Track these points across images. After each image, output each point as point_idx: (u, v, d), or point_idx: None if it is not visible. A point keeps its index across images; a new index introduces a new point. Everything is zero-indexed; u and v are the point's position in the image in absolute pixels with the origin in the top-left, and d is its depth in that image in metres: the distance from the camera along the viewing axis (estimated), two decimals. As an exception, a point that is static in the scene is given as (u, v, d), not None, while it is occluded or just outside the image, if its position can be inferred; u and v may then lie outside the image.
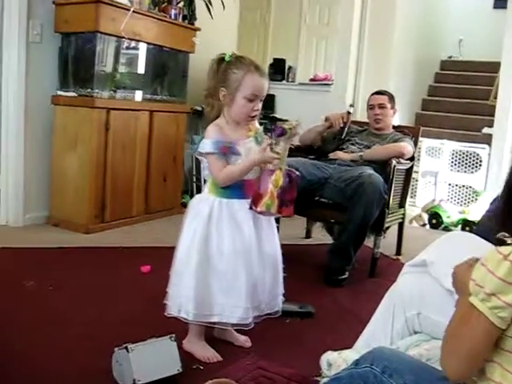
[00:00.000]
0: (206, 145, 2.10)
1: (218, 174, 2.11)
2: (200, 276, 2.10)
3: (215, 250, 2.11)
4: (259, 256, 2.15)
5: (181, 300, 2.12)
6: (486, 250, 1.71)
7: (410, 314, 1.65)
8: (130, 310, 2.59)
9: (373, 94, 3.88)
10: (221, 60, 2.16)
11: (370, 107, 3.81)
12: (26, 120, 3.90)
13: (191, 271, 2.10)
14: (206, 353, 2.18)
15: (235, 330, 2.31)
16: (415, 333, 1.64)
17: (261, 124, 2.27)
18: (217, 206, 2.12)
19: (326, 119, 3.85)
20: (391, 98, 3.84)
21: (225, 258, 2.10)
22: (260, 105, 2.15)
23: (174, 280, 2.18)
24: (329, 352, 2.03)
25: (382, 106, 3.77)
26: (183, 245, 2.16)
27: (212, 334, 2.31)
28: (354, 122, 4.03)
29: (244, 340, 2.32)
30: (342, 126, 3.78)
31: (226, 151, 2.09)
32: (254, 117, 2.15)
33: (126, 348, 1.85)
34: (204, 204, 2.15)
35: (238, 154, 2.11)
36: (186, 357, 2.03)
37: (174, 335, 1.98)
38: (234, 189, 2.12)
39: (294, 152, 3.79)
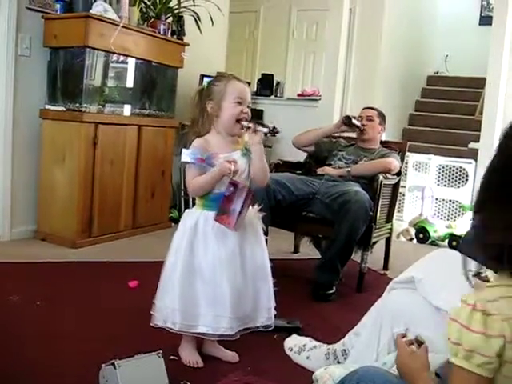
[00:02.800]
0: (185, 154, 2.17)
1: (189, 183, 2.20)
2: (185, 287, 2.14)
3: (200, 260, 2.15)
4: (242, 268, 2.17)
5: (167, 311, 2.16)
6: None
7: (397, 329, 1.65)
8: (117, 325, 2.58)
9: (364, 108, 3.92)
10: (201, 90, 2.30)
11: (359, 119, 3.83)
12: (13, 134, 3.89)
13: (176, 282, 2.15)
14: (189, 357, 2.24)
15: (223, 344, 2.31)
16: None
17: None
18: (202, 218, 2.17)
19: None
20: (381, 115, 3.87)
21: (209, 269, 2.13)
22: (249, 111, 2.22)
23: (161, 292, 2.21)
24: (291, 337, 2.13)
25: (369, 119, 3.80)
26: (169, 257, 2.21)
27: (200, 350, 2.31)
28: (342, 137, 4.06)
29: (231, 356, 2.32)
30: (357, 125, 3.78)
31: (202, 162, 2.15)
32: (243, 120, 2.20)
33: (113, 364, 1.85)
34: (190, 217, 2.21)
35: (213, 165, 2.15)
36: (174, 373, 2.03)
37: (161, 351, 1.98)
38: (218, 202, 2.14)
39: (281, 167, 3.84)
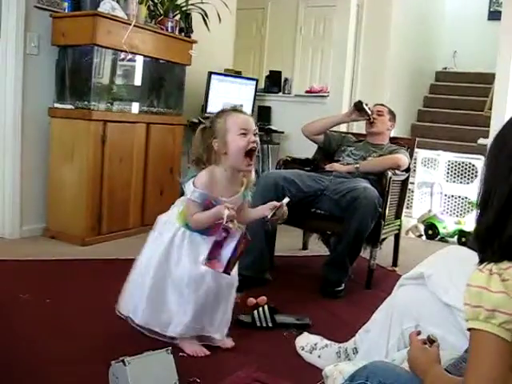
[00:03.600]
0: (195, 194, 2.20)
1: (190, 219, 2.22)
2: (154, 290, 2.23)
3: (173, 267, 2.22)
4: (214, 286, 2.23)
5: (134, 304, 2.28)
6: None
7: (407, 326, 1.65)
8: (126, 322, 2.58)
9: (375, 105, 3.91)
10: (204, 128, 2.28)
11: (370, 108, 3.83)
12: (22, 132, 3.90)
13: (147, 283, 2.24)
14: (193, 347, 2.27)
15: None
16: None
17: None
18: (180, 234, 2.24)
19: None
20: (392, 113, 3.89)
21: (179, 281, 2.21)
22: (257, 139, 2.24)
23: (131, 285, 2.32)
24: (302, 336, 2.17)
25: (379, 114, 3.81)
26: (145, 256, 2.30)
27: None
28: (351, 133, 4.07)
29: (229, 343, 2.38)
30: (363, 115, 3.79)
31: (209, 205, 2.19)
32: (253, 151, 2.22)
33: (123, 361, 1.85)
34: (169, 227, 2.27)
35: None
36: (183, 369, 2.03)
37: (170, 348, 1.98)
38: (200, 232, 2.23)
39: (289, 164, 3.84)
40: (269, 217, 2.29)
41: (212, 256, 2.11)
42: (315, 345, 2.24)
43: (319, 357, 2.21)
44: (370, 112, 3.76)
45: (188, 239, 2.22)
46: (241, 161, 2.21)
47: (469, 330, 1.08)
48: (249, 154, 2.21)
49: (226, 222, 2.08)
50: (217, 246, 2.10)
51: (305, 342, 2.29)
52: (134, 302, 2.28)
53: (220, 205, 2.16)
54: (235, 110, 2.28)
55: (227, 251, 2.09)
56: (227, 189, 2.24)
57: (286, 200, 2.27)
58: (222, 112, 2.28)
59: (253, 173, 2.32)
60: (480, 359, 1.05)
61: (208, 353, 2.27)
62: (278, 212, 2.28)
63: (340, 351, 2.14)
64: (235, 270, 2.29)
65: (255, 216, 2.38)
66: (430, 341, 1.34)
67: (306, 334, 2.36)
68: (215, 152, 2.23)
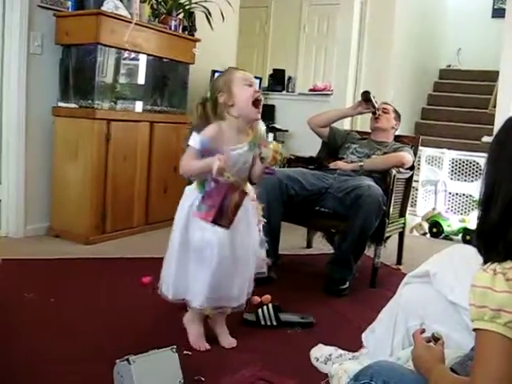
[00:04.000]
0: (195, 139, 2.20)
1: (182, 163, 2.25)
2: (179, 262, 2.27)
3: (194, 238, 2.23)
4: (231, 251, 2.24)
5: (166, 281, 2.32)
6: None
7: (412, 324, 1.65)
8: (131, 321, 2.58)
9: (381, 103, 3.91)
10: (204, 100, 2.32)
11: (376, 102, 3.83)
12: (26, 131, 3.91)
13: (173, 257, 2.29)
14: (197, 340, 2.32)
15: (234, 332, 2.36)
16: (416, 343, 1.64)
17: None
18: (197, 201, 2.23)
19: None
20: (396, 112, 3.90)
21: (201, 248, 2.22)
22: (260, 95, 2.27)
23: (164, 263, 2.36)
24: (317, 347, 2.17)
25: (385, 112, 3.81)
26: (172, 233, 2.35)
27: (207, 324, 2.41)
28: (356, 131, 4.07)
29: (229, 342, 2.38)
30: (369, 107, 3.78)
31: (206, 152, 2.18)
32: (259, 101, 2.25)
33: (128, 360, 1.85)
34: (188, 197, 2.29)
35: None
36: (188, 368, 2.03)
37: (175, 346, 1.98)
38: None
39: (293, 162, 3.83)
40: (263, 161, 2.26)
41: (201, 206, 2.15)
42: (330, 355, 2.22)
43: None
44: (376, 105, 3.76)
45: None
46: (249, 109, 2.25)
47: (474, 330, 1.07)
48: (255, 103, 2.25)
49: (216, 175, 2.08)
50: (207, 197, 2.14)
51: (319, 353, 2.27)
52: (166, 278, 2.32)
53: (217, 153, 2.15)
54: (238, 68, 2.38)
55: (215, 201, 2.11)
56: (234, 139, 2.26)
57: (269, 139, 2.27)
58: (224, 72, 2.37)
59: (260, 124, 2.33)
60: (486, 359, 1.04)
61: (209, 347, 2.31)
62: (264, 153, 2.24)
63: (354, 359, 2.13)
64: (261, 238, 2.35)
65: (258, 170, 2.33)
66: (435, 339, 1.33)
67: (320, 345, 2.33)
68: (219, 106, 2.27)
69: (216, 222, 2.12)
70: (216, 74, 5.10)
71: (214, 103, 2.28)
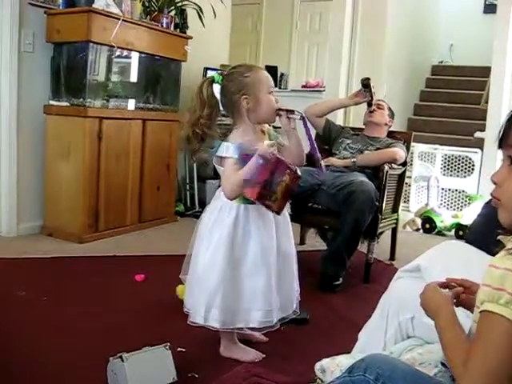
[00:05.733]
0: (230, 149, 2.07)
1: (226, 186, 2.08)
2: (226, 282, 2.09)
3: (240, 254, 2.10)
4: (278, 256, 2.16)
5: (206, 308, 2.10)
6: (479, 258, 1.73)
7: (403, 318, 1.65)
8: (124, 318, 2.58)
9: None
10: (211, 82, 2.18)
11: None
12: (18, 130, 3.90)
13: (216, 278, 2.09)
14: (250, 355, 2.24)
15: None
16: (408, 337, 1.64)
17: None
18: (242, 212, 2.10)
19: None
20: (391, 110, 3.93)
21: (249, 261, 2.10)
22: (276, 96, 2.21)
23: (197, 288, 2.15)
24: (323, 360, 2.05)
25: (379, 107, 3.83)
26: (206, 252, 2.12)
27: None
28: (349, 127, 4.08)
29: (259, 335, 2.37)
30: (366, 96, 3.77)
31: (246, 158, 2.04)
32: (280, 109, 2.16)
33: (121, 357, 1.85)
34: (228, 211, 2.10)
35: None
36: (181, 365, 2.03)
37: (168, 344, 1.98)
38: None
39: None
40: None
41: (246, 184, 1.99)
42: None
43: None
44: (374, 95, 3.75)
45: (252, 213, 2.10)
46: (271, 117, 2.16)
47: (482, 312, 1.02)
48: (276, 110, 2.16)
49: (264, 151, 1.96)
50: (257, 172, 1.96)
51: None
52: (205, 304, 2.10)
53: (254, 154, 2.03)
54: (257, 66, 2.25)
55: (261, 177, 1.95)
56: (255, 140, 2.10)
57: (298, 116, 2.14)
58: (245, 67, 2.19)
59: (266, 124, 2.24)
60: (489, 343, 0.99)
61: (263, 355, 2.25)
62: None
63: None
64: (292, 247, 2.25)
65: (293, 141, 2.20)
66: (450, 286, 1.31)
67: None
68: (239, 108, 2.13)
69: (261, 200, 1.98)
70: (209, 72, 5.10)
71: (232, 103, 2.14)
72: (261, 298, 2.10)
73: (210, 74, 5.11)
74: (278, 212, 2.05)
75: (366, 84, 3.73)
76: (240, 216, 2.09)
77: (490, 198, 1.82)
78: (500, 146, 1.13)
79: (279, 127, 2.26)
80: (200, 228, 2.19)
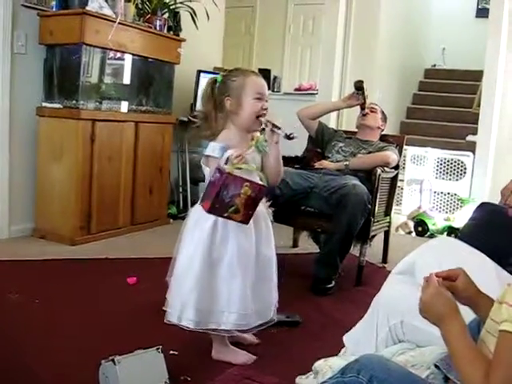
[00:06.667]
0: (215, 148, 2.11)
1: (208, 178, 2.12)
2: (202, 283, 2.10)
3: (218, 256, 2.12)
4: (257, 261, 2.17)
5: (181, 307, 2.12)
6: (471, 256, 1.74)
7: (393, 322, 1.65)
8: (116, 321, 2.58)
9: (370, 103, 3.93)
10: (213, 82, 2.22)
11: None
12: (10, 132, 3.88)
13: (193, 279, 2.10)
14: (241, 358, 2.23)
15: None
16: (400, 341, 1.64)
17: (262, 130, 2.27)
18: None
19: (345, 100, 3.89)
20: (384, 113, 3.94)
21: (226, 264, 2.12)
22: (267, 104, 2.19)
23: (174, 287, 2.17)
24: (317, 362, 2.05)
25: (372, 110, 3.85)
26: (185, 253, 2.15)
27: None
28: (342, 131, 4.09)
29: (251, 338, 2.38)
30: (359, 99, 3.78)
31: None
32: (262, 116, 2.16)
33: (113, 360, 1.85)
34: (207, 214, 2.11)
35: None
36: (174, 368, 2.03)
37: (160, 347, 1.98)
38: None
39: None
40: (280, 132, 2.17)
41: (204, 195, 2.05)
42: None
43: None
44: (367, 99, 3.76)
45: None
46: (252, 123, 2.17)
47: (503, 331, 1.02)
48: (258, 117, 2.17)
49: (234, 166, 1.99)
50: (210, 186, 2.02)
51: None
52: (180, 304, 2.12)
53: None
54: (252, 71, 2.26)
55: (212, 190, 2.00)
56: (241, 145, 2.14)
57: (282, 133, 2.16)
58: (239, 71, 2.25)
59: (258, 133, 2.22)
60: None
61: (255, 357, 2.25)
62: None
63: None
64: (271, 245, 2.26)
65: (272, 155, 2.20)
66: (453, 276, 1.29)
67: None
68: (226, 111, 2.18)
69: (214, 212, 2.04)
70: (202, 75, 5.10)
71: (218, 103, 2.20)
72: (236, 300, 2.11)
73: (203, 76, 5.13)
74: (244, 222, 2.08)
75: (359, 87, 3.75)
76: (219, 219, 2.10)
77: (482, 202, 1.83)
78: None
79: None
80: (183, 230, 2.21)
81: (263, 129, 2.17)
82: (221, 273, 2.12)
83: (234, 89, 2.17)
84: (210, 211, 2.04)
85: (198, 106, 5.08)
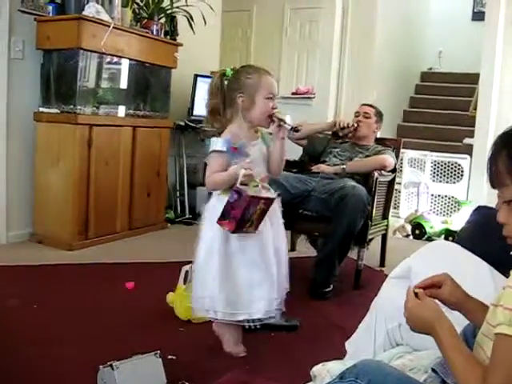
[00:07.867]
0: (218, 142, 2.18)
1: (208, 176, 2.21)
2: (223, 274, 2.15)
3: (236, 247, 2.18)
4: (274, 251, 2.24)
5: (206, 300, 2.18)
6: (466, 260, 1.74)
7: (391, 325, 1.66)
8: (114, 326, 2.57)
9: (363, 105, 3.93)
10: (222, 75, 2.27)
11: (356, 115, 3.84)
12: (8, 137, 3.88)
13: (214, 271, 2.16)
14: (235, 347, 2.31)
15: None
16: (397, 345, 1.65)
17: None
18: None
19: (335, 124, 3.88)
20: (379, 114, 3.89)
21: (246, 254, 2.18)
22: (276, 103, 2.25)
23: (196, 282, 2.23)
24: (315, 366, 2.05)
25: (366, 116, 3.81)
26: (203, 247, 2.21)
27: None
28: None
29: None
30: (345, 127, 3.78)
31: (235, 151, 2.17)
32: (273, 115, 2.22)
33: (111, 366, 1.85)
34: (222, 206, 2.14)
35: (246, 155, 2.19)
36: (172, 372, 2.02)
37: (158, 352, 1.98)
38: None
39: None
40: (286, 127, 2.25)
41: (224, 215, 2.10)
42: None
43: None
44: (351, 128, 3.76)
45: None
46: (263, 121, 2.24)
47: (499, 334, 1.02)
48: (270, 116, 2.23)
49: (241, 183, 2.06)
50: (230, 207, 2.09)
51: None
52: (204, 297, 2.19)
53: (245, 148, 2.17)
54: (266, 71, 2.30)
55: (237, 214, 2.07)
56: (247, 137, 2.25)
57: (289, 127, 2.24)
58: (253, 68, 2.29)
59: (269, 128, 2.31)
60: (508, 367, 1.00)
61: (244, 354, 2.30)
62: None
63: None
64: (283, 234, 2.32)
65: (277, 148, 2.29)
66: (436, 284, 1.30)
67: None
68: (235, 105, 2.23)
69: (237, 231, 2.12)
70: (199, 79, 5.11)
71: (229, 97, 2.25)
72: (259, 287, 2.18)
73: (200, 80, 5.14)
74: (255, 231, 2.18)
75: (338, 137, 3.82)
76: None
77: (478, 205, 1.84)
78: (493, 187, 1.15)
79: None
80: (200, 226, 2.28)
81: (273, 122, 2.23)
82: (241, 263, 2.18)
83: (249, 87, 2.22)
84: (234, 231, 2.12)
85: (196, 107, 5.09)
